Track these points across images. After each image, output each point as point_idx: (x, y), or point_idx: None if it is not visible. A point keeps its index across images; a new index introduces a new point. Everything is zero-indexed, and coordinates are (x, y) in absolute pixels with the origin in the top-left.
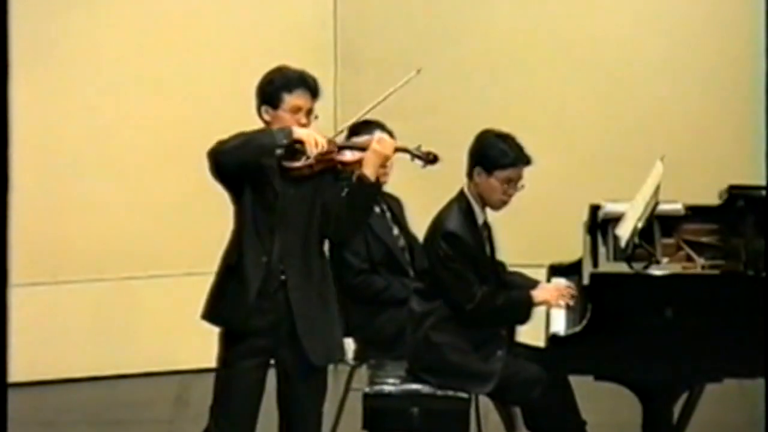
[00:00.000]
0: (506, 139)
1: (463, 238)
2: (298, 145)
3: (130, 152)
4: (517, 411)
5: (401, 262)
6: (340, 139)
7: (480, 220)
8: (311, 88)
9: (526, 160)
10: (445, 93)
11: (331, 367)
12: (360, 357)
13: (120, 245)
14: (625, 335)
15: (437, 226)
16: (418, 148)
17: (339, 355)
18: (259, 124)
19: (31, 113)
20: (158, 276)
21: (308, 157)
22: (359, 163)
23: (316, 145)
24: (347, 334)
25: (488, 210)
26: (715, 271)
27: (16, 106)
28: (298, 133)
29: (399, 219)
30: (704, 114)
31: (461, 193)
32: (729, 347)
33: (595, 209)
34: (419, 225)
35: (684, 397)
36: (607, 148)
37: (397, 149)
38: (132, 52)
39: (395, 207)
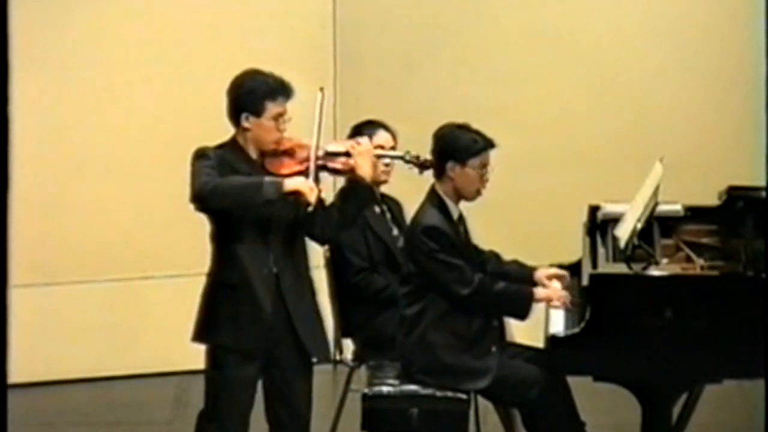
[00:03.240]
0: (468, 128)
1: (443, 230)
2: (290, 197)
3: (129, 153)
4: (516, 412)
5: (400, 261)
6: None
7: (455, 215)
8: (289, 93)
9: (492, 144)
10: (445, 93)
11: (330, 367)
12: (359, 358)
13: (119, 246)
14: (624, 336)
15: (415, 225)
16: (408, 153)
17: (328, 351)
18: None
19: (32, 113)
20: (157, 277)
21: (306, 205)
22: (351, 168)
23: (311, 191)
24: (346, 335)
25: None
26: (715, 272)
27: (16, 107)
28: (290, 186)
29: (398, 220)
30: (704, 114)
31: (432, 192)
32: (728, 348)
33: (594, 210)
34: None
35: (683, 398)
36: (607, 148)
37: (387, 156)
38: (131, 52)
39: (394, 208)
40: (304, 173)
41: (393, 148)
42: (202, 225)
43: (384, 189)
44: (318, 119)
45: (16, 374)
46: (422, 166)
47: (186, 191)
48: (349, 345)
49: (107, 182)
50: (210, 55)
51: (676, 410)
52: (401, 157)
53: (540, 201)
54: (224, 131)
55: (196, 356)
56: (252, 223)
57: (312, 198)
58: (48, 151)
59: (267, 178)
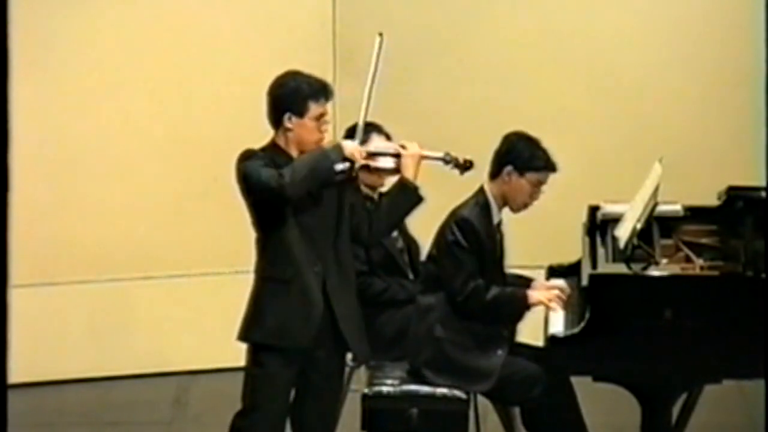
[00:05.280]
0: (538, 143)
1: (476, 227)
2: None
3: (129, 154)
4: (517, 412)
5: (399, 263)
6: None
7: (495, 220)
8: (330, 94)
9: (555, 168)
10: (445, 93)
11: None
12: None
13: (119, 247)
14: (623, 336)
15: (453, 214)
16: (448, 154)
17: (371, 355)
18: (267, 131)
19: (31, 113)
20: (157, 277)
21: (353, 168)
22: (394, 169)
23: (361, 156)
24: None
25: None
26: (714, 272)
27: (16, 107)
28: (348, 149)
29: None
30: (704, 114)
31: (481, 191)
32: (728, 348)
33: (594, 210)
34: (427, 227)
35: (683, 398)
36: (606, 148)
37: (429, 157)
38: (130, 52)
39: None
40: (350, 170)
41: None
42: (202, 226)
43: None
44: (374, 65)
45: (16, 374)
46: (463, 167)
47: (185, 193)
48: None
49: (107, 182)
50: (210, 55)
51: (676, 410)
52: (442, 159)
53: (540, 201)
54: (224, 131)
55: (195, 356)
56: (304, 216)
57: (360, 162)
58: (48, 151)
59: (326, 146)
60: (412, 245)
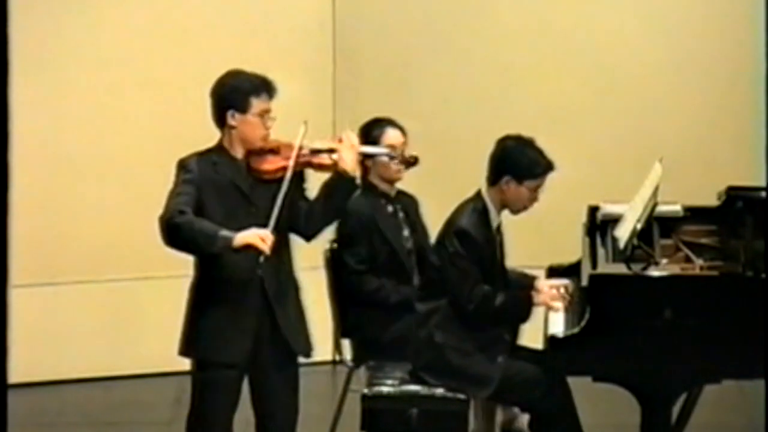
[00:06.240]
0: (533, 146)
1: (474, 236)
2: (243, 251)
3: (129, 153)
4: (499, 411)
5: (405, 265)
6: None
7: (494, 224)
8: (272, 90)
9: (552, 167)
10: (445, 93)
11: (329, 368)
12: (358, 358)
13: (119, 246)
14: (623, 336)
15: (450, 223)
16: (393, 149)
17: (312, 348)
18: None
19: (31, 113)
20: (157, 277)
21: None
22: (339, 162)
23: (263, 241)
24: (345, 335)
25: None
26: (714, 273)
27: (16, 107)
28: (240, 241)
29: (412, 220)
30: (704, 114)
31: (478, 195)
32: (728, 348)
33: (594, 210)
34: (435, 224)
35: (683, 398)
36: (606, 149)
37: (376, 153)
38: (131, 53)
39: (409, 207)
40: (284, 168)
41: (404, 144)
42: None
43: (399, 185)
44: (297, 148)
45: (16, 374)
46: (407, 163)
47: None
48: (348, 346)
49: (107, 182)
50: (210, 56)
51: (676, 410)
52: (387, 154)
53: (540, 201)
54: None
55: None
56: (233, 227)
57: (266, 249)
58: (48, 151)
59: (222, 232)
60: (424, 245)
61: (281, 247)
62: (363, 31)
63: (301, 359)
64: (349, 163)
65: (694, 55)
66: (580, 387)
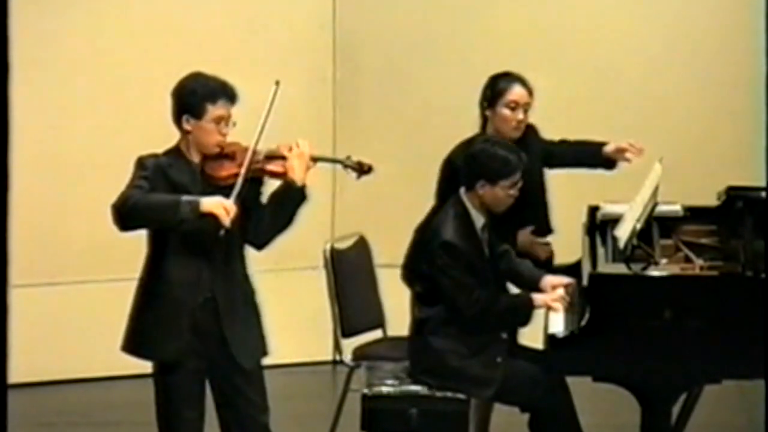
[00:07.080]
0: (501, 145)
1: (460, 247)
2: (209, 218)
3: (129, 153)
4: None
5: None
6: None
7: (479, 224)
8: (232, 96)
9: (524, 161)
10: (444, 93)
11: (330, 368)
12: (358, 358)
13: (119, 246)
14: (623, 336)
15: (433, 235)
16: (349, 158)
17: (263, 351)
18: (174, 133)
19: (32, 113)
20: None
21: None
22: (287, 171)
23: (227, 212)
24: (345, 335)
25: None
26: (714, 273)
27: (16, 107)
28: (206, 206)
29: None
30: (704, 114)
31: (457, 200)
32: (728, 348)
33: (593, 210)
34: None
35: (683, 398)
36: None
37: (326, 160)
38: (130, 52)
39: None
40: (236, 175)
41: (528, 104)
42: None
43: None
44: (265, 114)
45: (16, 374)
46: (362, 171)
47: None
48: (348, 345)
49: (107, 182)
50: (210, 56)
51: (676, 410)
52: (341, 162)
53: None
54: None
55: None
56: (184, 233)
57: (226, 221)
58: (48, 151)
59: (184, 198)
60: None
61: (232, 254)
62: (363, 31)
63: (301, 359)
64: (298, 172)
65: (695, 55)
66: (580, 387)
